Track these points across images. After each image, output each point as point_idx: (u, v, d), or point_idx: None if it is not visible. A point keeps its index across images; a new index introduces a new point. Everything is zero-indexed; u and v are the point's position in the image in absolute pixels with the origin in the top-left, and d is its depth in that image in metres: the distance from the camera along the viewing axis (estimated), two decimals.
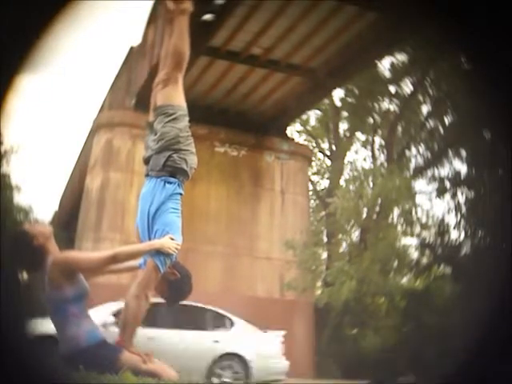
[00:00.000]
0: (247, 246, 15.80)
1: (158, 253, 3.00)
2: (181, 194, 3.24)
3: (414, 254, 17.01)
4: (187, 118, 3.37)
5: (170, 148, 3.22)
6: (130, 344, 2.99)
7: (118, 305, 7.69)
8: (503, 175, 11.00)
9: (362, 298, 14.68)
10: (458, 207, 16.32)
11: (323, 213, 19.69)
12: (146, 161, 3.38)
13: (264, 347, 9.07)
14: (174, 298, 3.26)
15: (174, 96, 3.37)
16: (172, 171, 3.21)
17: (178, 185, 3.23)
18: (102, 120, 16.18)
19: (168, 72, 3.37)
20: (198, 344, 8.63)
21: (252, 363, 8.56)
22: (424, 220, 16.72)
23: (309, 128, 21.50)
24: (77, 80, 50.54)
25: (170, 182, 3.20)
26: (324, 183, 22.04)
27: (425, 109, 18.30)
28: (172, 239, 3.05)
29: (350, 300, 14.49)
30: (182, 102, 3.40)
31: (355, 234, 16.43)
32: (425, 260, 17.00)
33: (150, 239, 3.09)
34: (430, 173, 17.68)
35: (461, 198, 16.42)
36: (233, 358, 8.57)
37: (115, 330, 3.12)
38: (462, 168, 16.75)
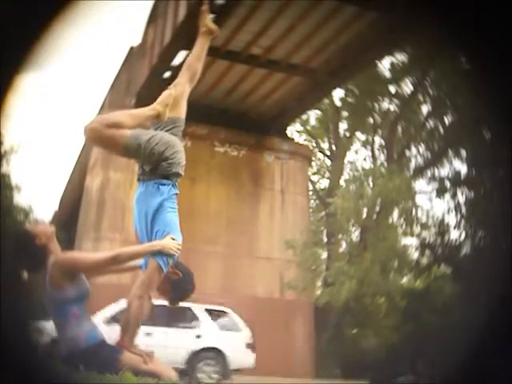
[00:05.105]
0: (247, 245, 15.80)
1: (161, 253, 2.99)
2: (176, 194, 3.24)
3: (414, 254, 17.04)
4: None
5: (157, 161, 3.19)
6: (131, 344, 2.98)
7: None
8: (503, 175, 11.00)
9: (361, 298, 14.66)
10: (457, 207, 16.32)
11: (323, 213, 19.69)
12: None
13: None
14: (176, 297, 3.26)
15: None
16: (164, 175, 3.21)
17: (173, 185, 3.23)
18: None
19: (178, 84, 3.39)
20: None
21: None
22: (424, 220, 16.72)
23: (309, 128, 21.51)
24: (77, 80, 50.55)
25: (164, 184, 3.19)
26: (324, 183, 22.07)
27: (425, 109, 18.35)
28: (173, 239, 3.05)
29: (349, 300, 14.48)
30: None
31: (355, 234, 16.42)
32: (425, 260, 16.99)
33: (150, 240, 3.09)
34: (429, 173, 17.70)
35: (461, 198, 16.44)
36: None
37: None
38: (462, 168, 16.77)
